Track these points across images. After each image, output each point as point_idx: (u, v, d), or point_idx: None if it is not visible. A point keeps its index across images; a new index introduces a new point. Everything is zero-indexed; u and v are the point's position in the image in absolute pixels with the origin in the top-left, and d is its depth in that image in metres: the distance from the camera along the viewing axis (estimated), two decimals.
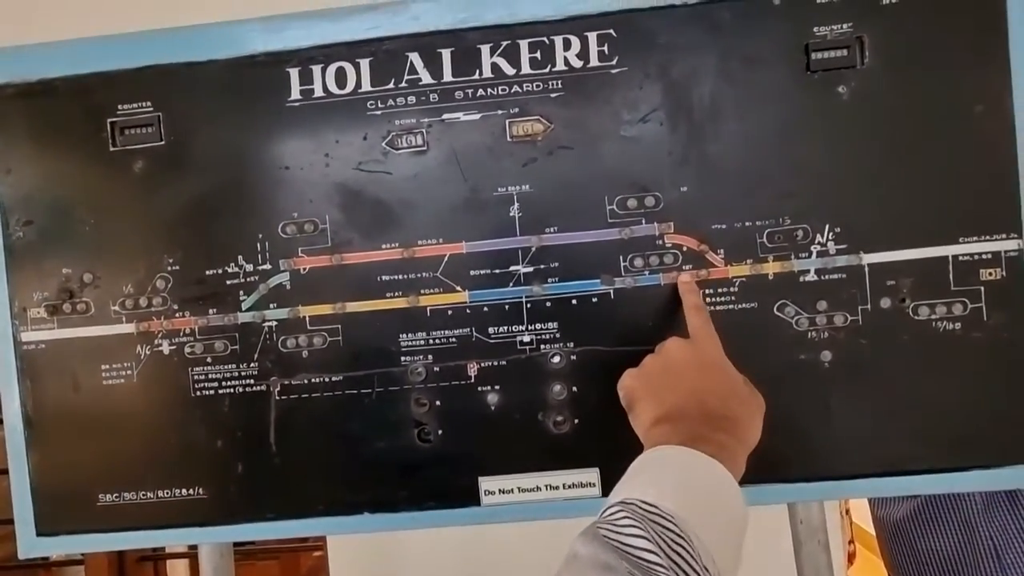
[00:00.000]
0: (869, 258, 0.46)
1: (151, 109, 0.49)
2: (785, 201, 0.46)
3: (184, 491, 0.49)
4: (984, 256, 0.45)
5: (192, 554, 1.12)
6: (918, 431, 0.46)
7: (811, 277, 0.46)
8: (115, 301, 0.49)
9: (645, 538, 0.30)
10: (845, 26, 0.45)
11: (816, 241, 0.46)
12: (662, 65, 0.47)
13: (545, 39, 0.47)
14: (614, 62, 0.47)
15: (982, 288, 0.45)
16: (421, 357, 0.48)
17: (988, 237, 0.45)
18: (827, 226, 0.46)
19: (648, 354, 0.43)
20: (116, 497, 0.50)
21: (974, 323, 0.45)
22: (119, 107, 0.49)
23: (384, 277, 0.48)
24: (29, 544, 0.50)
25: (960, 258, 0.45)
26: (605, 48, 0.47)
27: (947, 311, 0.46)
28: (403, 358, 0.48)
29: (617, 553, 0.30)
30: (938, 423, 0.46)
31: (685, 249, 0.47)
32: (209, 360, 0.49)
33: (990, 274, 0.45)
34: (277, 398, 0.49)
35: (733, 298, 0.47)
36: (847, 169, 0.46)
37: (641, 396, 0.41)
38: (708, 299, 0.47)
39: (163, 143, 0.49)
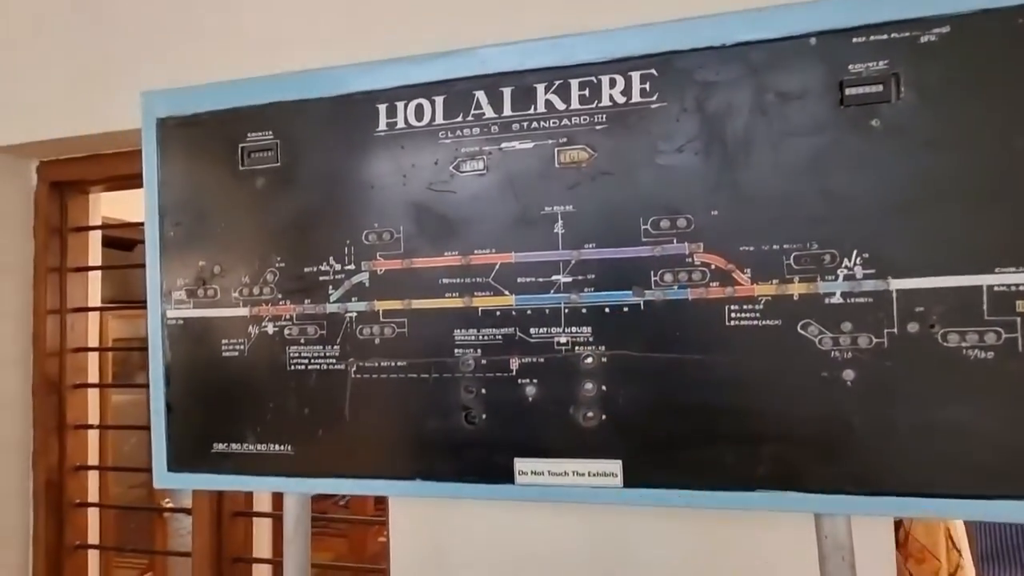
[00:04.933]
0: (897, 284, 0.48)
1: (272, 137, 0.61)
2: (814, 227, 0.49)
3: (277, 447, 0.60)
4: (1021, 287, 0.46)
5: (276, 515, 1.26)
6: (944, 455, 0.47)
7: (836, 299, 0.49)
8: (235, 289, 0.62)
9: None
10: (881, 63, 0.48)
11: (843, 265, 0.49)
12: (699, 100, 0.51)
13: (593, 78, 0.53)
14: (654, 98, 0.52)
15: (1018, 319, 0.46)
16: (471, 350, 0.56)
17: None
18: (855, 251, 0.48)
19: (673, 361, 0.46)
20: (225, 447, 0.61)
21: (1008, 353, 0.46)
22: (248, 135, 0.61)
23: (445, 280, 0.56)
24: (162, 477, 0.63)
25: (995, 288, 0.46)
26: (647, 86, 0.52)
27: (979, 339, 0.46)
28: (456, 350, 0.56)
29: None
30: (965, 449, 0.46)
31: (713, 267, 0.51)
32: (302, 341, 0.60)
33: None
34: (353, 376, 0.58)
35: (758, 315, 0.50)
36: (878, 198, 0.48)
37: None
38: (732, 315, 0.50)
39: (279, 164, 0.61)
